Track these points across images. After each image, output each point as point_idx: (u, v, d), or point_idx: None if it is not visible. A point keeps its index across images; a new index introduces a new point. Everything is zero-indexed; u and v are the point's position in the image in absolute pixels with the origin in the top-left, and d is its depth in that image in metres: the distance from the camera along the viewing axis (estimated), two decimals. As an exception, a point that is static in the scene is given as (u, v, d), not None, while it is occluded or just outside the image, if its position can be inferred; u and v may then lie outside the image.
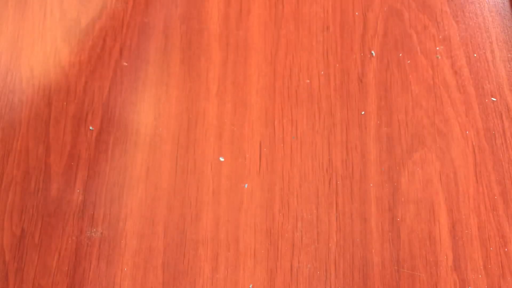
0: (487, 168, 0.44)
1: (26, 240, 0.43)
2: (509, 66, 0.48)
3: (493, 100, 0.47)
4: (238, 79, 0.48)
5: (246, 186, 0.44)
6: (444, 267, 0.41)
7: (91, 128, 0.47)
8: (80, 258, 0.43)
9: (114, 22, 0.51)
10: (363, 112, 0.47)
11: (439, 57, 0.49)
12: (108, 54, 0.50)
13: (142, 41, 0.50)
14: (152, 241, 0.43)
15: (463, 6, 0.51)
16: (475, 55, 0.49)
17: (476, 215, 0.43)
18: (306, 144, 0.46)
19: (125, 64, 0.49)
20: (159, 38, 0.50)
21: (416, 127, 0.46)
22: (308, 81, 0.48)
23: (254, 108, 0.47)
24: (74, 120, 0.47)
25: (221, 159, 0.45)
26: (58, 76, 0.49)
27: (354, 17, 0.50)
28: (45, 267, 0.43)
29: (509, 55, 0.49)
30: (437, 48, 0.49)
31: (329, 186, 0.44)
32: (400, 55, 0.49)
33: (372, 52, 0.49)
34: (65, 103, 0.48)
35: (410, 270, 0.41)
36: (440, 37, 0.49)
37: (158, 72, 0.49)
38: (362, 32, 0.50)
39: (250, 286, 0.41)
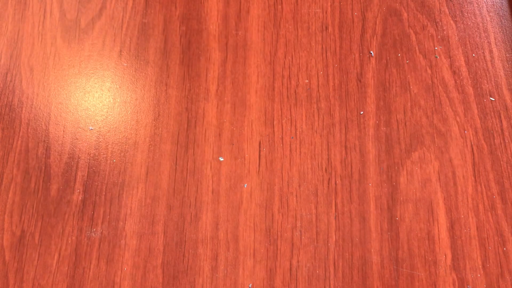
0: (485, 168, 0.45)
1: (26, 240, 0.43)
2: (507, 65, 0.48)
3: (491, 100, 0.47)
4: (238, 79, 0.48)
5: (245, 186, 0.44)
6: (443, 266, 0.42)
7: (91, 128, 0.47)
8: (80, 258, 0.43)
9: (113, 22, 0.51)
10: (362, 112, 0.47)
11: (438, 57, 0.49)
12: (107, 54, 0.50)
13: (142, 42, 0.50)
14: (152, 240, 0.43)
15: (461, 6, 0.51)
16: (473, 55, 0.49)
17: (474, 214, 0.43)
18: (305, 143, 0.46)
19: (125, 64, 0.50)
20: (159, 39, 0.50)
21: (414, 126, 0.46)
22: (307, 81, 0.48)
23: (254, 108, 0.47)
24: (74, 120, 0.48)
25: (221, 159, 0.45)
26: (58, 77, 0.49)
27: (353, 17, 0.51)
28: (45, 267, 0.43)
29: (508, 54, 0.49)
30: (436, 48, 0.49)
31: (328, 186, 0.44)
32: (399, 55, 0.49)
33: (371, 52, 0.49)
34: (64, 103, 0.48)
35: (409, 269, 0.42)
36: (439, 37, 0.50)
37: (158, 72, 0.49)
38: (361, 32, 0.50)
39: (250, 286, 0.41)
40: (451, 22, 0.50)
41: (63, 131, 0.47)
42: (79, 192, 0.45)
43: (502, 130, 0.46)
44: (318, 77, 0.48)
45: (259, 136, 0.46)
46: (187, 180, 0.45)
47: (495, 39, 0.49)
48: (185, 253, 0.42)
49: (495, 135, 0.46)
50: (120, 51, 0.50)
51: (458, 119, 0.46)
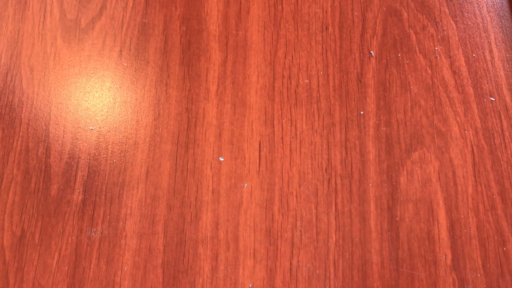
0: (485, 168, 0.45)
1: (26, 239, 0.43)
2: (507, 66, 0.48)
3: (491, 100, 0.47)
4: (238, 79, 0.48)
5: (245, 186, 0.44)
6: (443, 266, 0.42)
7: (91, 128, 0.47)
8: (80, 258, 0.43)
9: (113, 22, 0.51)
10: (362, 112, 0.47)
11: (438, 57, 0.49)
12: (108, 54, 0.50)
13: (142, 42, 0.50)
14: (152, 240, 0.43)
15: (462, 6, 0.51)
16: (473, 55, 0.49)
17: (474, 214, 0.43)
18: (305, 143, 0.46)
19: (125, 64, 0.50)
20: (159, 39, 0.50)
21: (415, 126, 0.46)
22: (307, 81, 0.48)
23: (254, 108, 0.47)
24: (74, 120, 0.48)
25: (221, 158, 0.45)
26: (58, 77, 0.49)
27: (353, 17, 0.51)
28: (45, 266, 0.43)
29: (508, 55, 0.49)
30: (436, 48, 0.49)
31: (328, 186, 0.44)
32: (399, 55, 0.49)
33: (371, 52, 0.49)
34: (65, 103, 0.48)
35: (409, 269, 0.42)
36: (439, 37, 0.50)
37: (158, 72, 0.49)
38: (361, 32, 0.50)
39: (250, 286, 0.41)
40: (451, 22, 0.50)
41: (63, 131, 0.47)
42: (79, 192, 0.45)
43: (502, 130, 0.46)
44: (318, 77, 0.48)
45: (259, 136, 0.46)
46: (187, 180, 0.45)
47: (495, 39, 0.49)
48: (185, 253, 0.42)
49: (495, 135, 0.46)
50: (120, 51, 0.50)
51: (458, 119, 0.46)
